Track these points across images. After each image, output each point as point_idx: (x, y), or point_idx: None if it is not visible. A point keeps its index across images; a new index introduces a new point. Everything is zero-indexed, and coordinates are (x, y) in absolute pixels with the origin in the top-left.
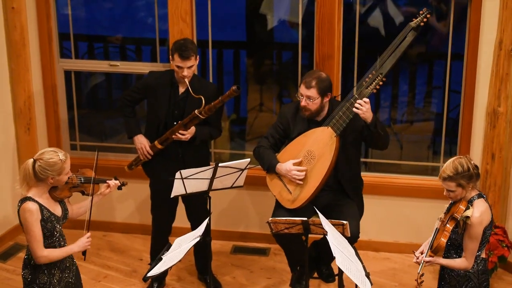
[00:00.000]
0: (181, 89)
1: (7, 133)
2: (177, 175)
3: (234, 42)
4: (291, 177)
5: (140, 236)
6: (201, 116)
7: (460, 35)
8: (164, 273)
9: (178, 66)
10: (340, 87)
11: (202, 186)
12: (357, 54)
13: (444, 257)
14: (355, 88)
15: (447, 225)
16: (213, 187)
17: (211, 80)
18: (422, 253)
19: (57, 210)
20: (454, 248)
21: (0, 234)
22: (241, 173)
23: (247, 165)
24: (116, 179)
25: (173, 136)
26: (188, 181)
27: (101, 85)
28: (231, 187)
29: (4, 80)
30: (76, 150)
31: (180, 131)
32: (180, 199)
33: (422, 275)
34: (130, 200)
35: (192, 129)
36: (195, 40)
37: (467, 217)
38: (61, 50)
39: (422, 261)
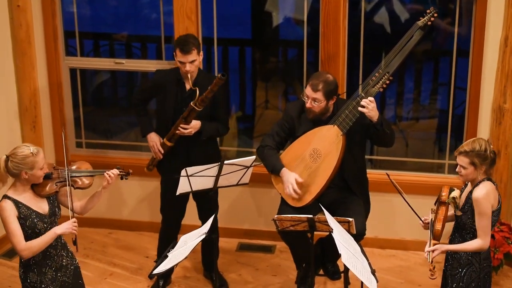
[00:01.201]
0: (188, 86)
1: (13, 131)
2: (183, 172)
3: (239, 39)
4: (286, 188)
5: (146, 233)
6: (196, 108)
7: (466, 32)
8: (170, 271)
9: (180, 62)
10: (346, 84)
11: (208, 183)
12: (363, 51)
13: (450, 240)
14: (360, 87)
15: (438, 212)
16: (218, 185)
17: None
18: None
19: (42, 207)
20: (458, 230)
21: (5, 232)
22: (247, 171)
23: (253, 163)
24: (118, 168)
25: (177, 131)
26: (194, 178)
27: (107, 82)
28: (237, 185)
29: (10, 78)
30: (82, 148)
31: (182, 125)
32: (191, 197)
33: (434, 267)
34: (136, 197)
35: (197, 123)
36: (200, 38)
37: (454, 198)
38: (66, 48)
39: (428, 252)
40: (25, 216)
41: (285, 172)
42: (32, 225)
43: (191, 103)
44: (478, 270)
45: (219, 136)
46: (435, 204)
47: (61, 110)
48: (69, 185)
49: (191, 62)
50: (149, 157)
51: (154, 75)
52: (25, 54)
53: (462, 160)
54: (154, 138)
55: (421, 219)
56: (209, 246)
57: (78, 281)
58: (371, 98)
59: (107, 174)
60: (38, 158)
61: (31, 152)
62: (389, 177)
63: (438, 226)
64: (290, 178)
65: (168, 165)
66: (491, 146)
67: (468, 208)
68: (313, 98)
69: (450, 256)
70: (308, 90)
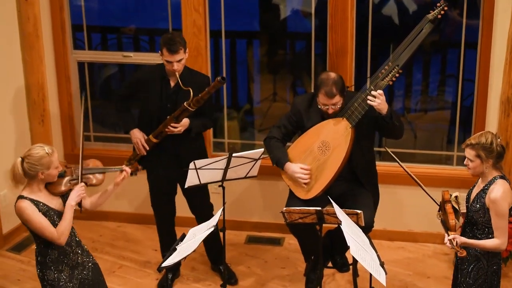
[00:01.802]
0: (172, 83)
1: (21, 125)
2: (191, 165)
3: (247, 32)
4: (296, 179)
5: (154, 226)
6: (190, 108)
7: (474, 24)
8: (179, 263)
9: (167, 61)
10: (354, 77)
11: (216, 176)
12: (371, 43)
13: (461, 235)
14: (368, 80)
15: (446, 209)
16: (227, 177)
17: (224, 70)
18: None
19: (57, 205)
20: (469, 226)
21: (15, 225)
22: (255, 163)
23: (261, 155)
24: (128, 165)
25: (166, 130)
26: (202, 171)
27: (115, 76)
28: (245, 177)
29: (18, 72)
30: (90, 141)
31: (172, 124)
32: (180, 192)
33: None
34: (144, 191)
35: (186, 121)
36: (208, 30)
37: (456, 196)
38: (74, 41)
39: (450, 240)
40: (44, 213)
41: (288, 165)
42: (51, 222)
43: (185, 104)
44: (485, 267)
45: (206, 130)
46: (438, 211)
47: (69, 104)
48: (83, 182)
49: (178, 61)
50: None
51: (138, 71)
52: (33, 47)
53: (469, 153)
54: (137, 135)
55: (438, 204)
56: (210, 240)
57: (99, 277)
58: (380, 91)
59: (125, 170)
60: (53, 158)
61: (47, 152)
62: (402, 167)
63: (451, 219)
64: (295, 168)
65: (155, 161)
66: (499, 140)
67: (480, 206)
68: (332, 104)
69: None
70: (324, 100)
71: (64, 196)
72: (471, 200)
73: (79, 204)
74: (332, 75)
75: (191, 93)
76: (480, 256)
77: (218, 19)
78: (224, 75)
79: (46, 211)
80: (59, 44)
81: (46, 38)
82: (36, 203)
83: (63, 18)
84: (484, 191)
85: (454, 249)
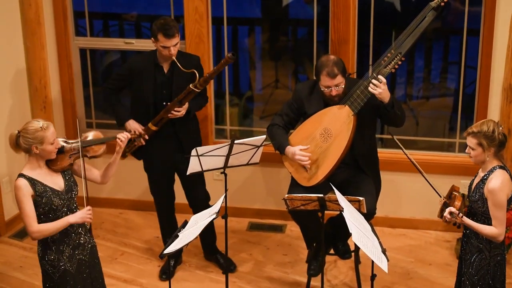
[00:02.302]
0: (166, 68)
1: (23, 111)
2: (193, 152)
3: (249, 18)
4: (297, 161)
5: (155, 213)
6: (196, 90)
7: (476, 11)
8: (181, 250)
9: (163, 46)
10: (356, 64)
11: (218, 163)
12: (373, 30)
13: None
14: (371, 67)
15: (453, 196)
16: (229, 164)
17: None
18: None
19: (58, 183)
20: (469, 216)
21: (17, 212)
22: (257, 150)
23: (263, 142)
24: (130, 132)
25: (169, 115)
26: (204, 158)
27: (117, 63)
28: (247, 164)
29: (20, 59)
30: (92, 128)
31: (176, 109)
32: (179, 181)
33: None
34: (145, 178)
35: (186, 104)
36: (209, 17)
37: (463, 194)
38: (76, 28)
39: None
40: (41, 193)
41: (289, 148)
42: (48, 202)
43: (191, 85)
44: (488, 258)
45: (201, 109)
46: (443, 198)
47: (71, 90)
48: (82, 156)
49: (175, 45)
50: None
51: (127, 62)
52: (35, 34)
53: (470, 141)
54: (134, 126)
55: (440, 195)
56: (205, 231)
57: (94, 260)
58: (383, 79)
59: (118, 138)
60: (47, 133)
61: (41, 127)
62: (405, 154)
63: (458, 200)
64: (295, 150)
65: (152, 149)
66: (501, 128)
67: (479, 197)
68: (335, 84)
69: (464, 241)
70: (326, 81)
71: (66, 175)
72: (471, 191)
73: (89, 230)
74: (332, 56)
75: (197, 75)
76: (482, 247)
77: (220, 6)
78: None
79: (43, 191)
80: (61, 31)
81: (48, 24)
82: (34, 182)
83: (65, 5)
84: (483, 181)
85: (455, 219)
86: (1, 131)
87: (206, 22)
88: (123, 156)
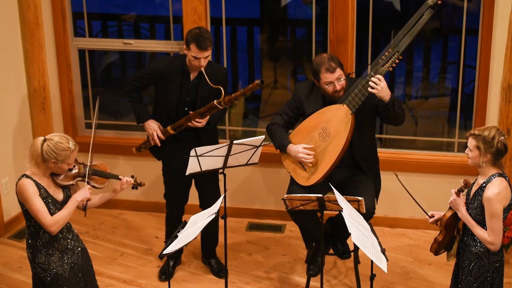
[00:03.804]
0: (192, 76)
1: (22, 113)
2: (192, 152)
3: (247, 19)
4: (299, 160)
5: (155, 214)
6: (219, 107)
7: (475, 10)
8: (180, 251)
9: (194, 57)
10: (355, 63)
11: (217, 163)
12: (372, 30)
13: (462, 229)
14: (369, 66)
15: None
16: (228, 165)
17: (225, 57)
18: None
19: (57, 194)
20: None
21: (16, 213)
22: (256, 150)
23: (262, 142)
24: (132, 177)
25: (189, 124)
26: (203, 158)
27: (115, 63)
28: (246, 164)
29: (19, 60)
30: (91, 129)
31: (197, 120)
32: (193, 184)
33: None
34: (145, 178)
35: (207, 116)
36: (208, 18)
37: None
38: (75, 29)
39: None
40: (43, 198)
41: (291, 146)
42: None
43: (215, 102)
44: (486, 265)
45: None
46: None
47: (70, 91)
48: (88, 184)
49: (206, 57)
50: None
51: (156, 62)
52: (34, 35)
53: (470, 142)
54: (153, 126)
55: (427, 214)
56: (208, 233)
57: (88, 262)
58: (380, 77)
59: (125, 178)
60: (72, 155)
61: (69, 147)
62: (397, 177)
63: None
64: (298, 148)
65: (173, 150)
66: (502, 138)
67: (478, 204)
68: (336, 78)
69: (462, 248)
70: (328, 77)
71: (66, 189)
72: (470, 197)
73: (84, 207)
74: (325, 54)
75: (223, 92)
76: (481, 254)
77: (219, 6)
78: (225, 62)
79: (45, 197)
80: (60, 32)
81: (47, 25)
82: (38, 186)
83: (64, 6)
84: (482, 188)
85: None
86: (0, 132)
87: (205, 22)
88: (138, 151)
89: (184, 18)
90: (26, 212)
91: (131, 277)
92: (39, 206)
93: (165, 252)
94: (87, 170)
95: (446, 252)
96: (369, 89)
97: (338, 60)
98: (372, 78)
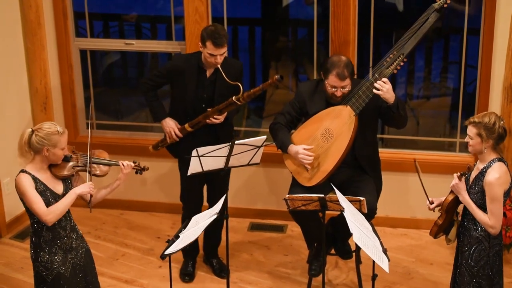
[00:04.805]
0: (209, 73)
1: (24, 112)
2: (194, 152)
3: (249, 19)
4: (299, 160)
5: (157, 214)
6: (238, 103)
7: (476, 10)
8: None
9: (211, 54)
10: (356, 64)
11: (219, 164)
12: (373, 31)
13: (462, 214)
14: (371, 69)
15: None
16: (229, 165)
17: None
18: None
19: (57, 187)
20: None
21: (17, 213)
22: (258, 151)
23: (264, 142)
24: (134, 162)
25: (207, 121)
26: (205, 159)
27: (117, 63)
28: (248, 165)
29: (20, 60)
30: (93, 129)
31: (215, 116)
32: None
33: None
34: (148, 178)
35: (225, 112)
36: (210, 18)
37: None
38: (76, 29)
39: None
40: (41, 192)
41: (292, 147)
42: (46, 203)
43: (233, 98)
44: (487, 249)
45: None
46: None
47: (71, 91)
48: (89, 173)
49: (222, 54)
50: (160, 137)
51: (172, 60)
52: (35, 35)
53: (470, 130)
54: (170, 124)
55: (428, 200)
56: (211, 232)
57: (91, 263)
58: (385, 79)
59: (122, 163)
60: (62, 138)
61: (57, 130)
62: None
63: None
64: (298, 148)
65: (191, 148)
66: (502, 122)
67: (479, 189)
68: (342, 86)
69: (462, 233)
70: (335, 81)
71: (66, 181)
72: (470, 183)
73: (89, 203)
74: (344, 58)
75: (241, 88)
76: (481, 238)
77: (220, 6)
78: None
79: (43, 190)
80: (61, 32)
81: (48, 25)
82: (36, 180)
83: (65, 6)
84: (482, 173)
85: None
86: (1, 132)
87: (206, 22)
88: (155, 149)
89: (186, 18)
90: (28, 209)
91: (133, 277)
92: (33, 197)
93: (167, 252)
94: (88, 159)
95: (445, 236)
96: (374, 90)
97: (352, 68)
98: (378, 81)
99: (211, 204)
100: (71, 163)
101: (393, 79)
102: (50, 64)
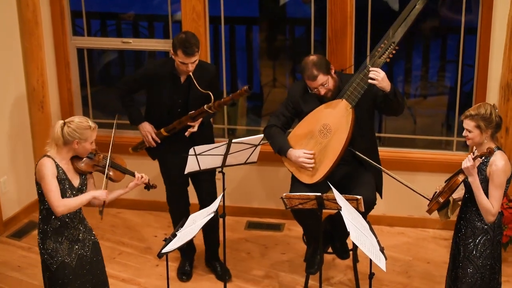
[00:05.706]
0: (183, 78)
1: (21, 111)
2: (191, 151)
3: (246, 17)
4: (300, 165)
5: (154, 213)
6: (210, 111)
7: (474, 9)
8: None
9: (182, 62)
10: (353, 62)
11: (216, 162)
12: (370, 28)
13: (462, 205)
14: (368, 58)
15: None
16: (226, 163)
17: (223, 57)
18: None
19: (74, 180)
20: (470, 200)
21: (15, 211)
22: (255, 149)
23: (261, 141)
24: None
25: (186, 134)
26: (202, 157)
27: (114, 62)
28: (245, 163)
29: (17, 59)
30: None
31: (189, 123)
32: (191, 183)
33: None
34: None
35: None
36: (207, 16)
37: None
38: (73, 27)
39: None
40: (60, 180)
41: (291, 151)
42: (62, 191)
43: (205, 107)
44: (492, 237)
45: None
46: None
47: (68, 90)
48: (106, 177)
49: (193, 63)
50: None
51: (146, 66)
52: (33, 34)
53: (468, 124)
54: (147, 128)
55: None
56: (210, 236)
57: (98, 256)
58: (378, 69)
59: (138, 175)
60: (93, 133)
61: (90, 125)
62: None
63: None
64: (299, 153)
65: (167, 151)
66: (497, 111)
67: (482, 179)
68: (319, 85)
69: (464, 226)
70: (310, 83)
71: (82, 177)
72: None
73: (101, 211)
74: (311, 57)
75: (212, 97)
76: (487, 228)
77: (218, 5)
78: (224, 61)
79: (63, 179)
80: (59, 31)
81: (46, 24)
82: (58, 168)
83: (62, 5)
84: (484, 163)
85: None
86: None
87: (204, 21)
88: (135, 150)
89: (183, 17)
90: (41, 194)
91: (130, 275)
92: (51, 184)
93: (164, 251)
94: (108, 161)
95: (439, 213)
96: (370, 80)
97: (323, 62)
98: (372, 70)
99: (203, 205)
100: (92, 161)
101: (390, 77)
102: (47, 63)
